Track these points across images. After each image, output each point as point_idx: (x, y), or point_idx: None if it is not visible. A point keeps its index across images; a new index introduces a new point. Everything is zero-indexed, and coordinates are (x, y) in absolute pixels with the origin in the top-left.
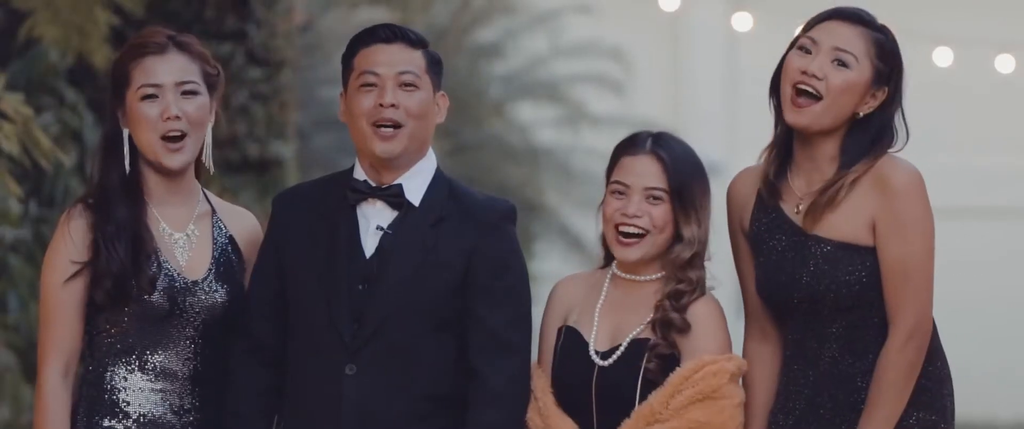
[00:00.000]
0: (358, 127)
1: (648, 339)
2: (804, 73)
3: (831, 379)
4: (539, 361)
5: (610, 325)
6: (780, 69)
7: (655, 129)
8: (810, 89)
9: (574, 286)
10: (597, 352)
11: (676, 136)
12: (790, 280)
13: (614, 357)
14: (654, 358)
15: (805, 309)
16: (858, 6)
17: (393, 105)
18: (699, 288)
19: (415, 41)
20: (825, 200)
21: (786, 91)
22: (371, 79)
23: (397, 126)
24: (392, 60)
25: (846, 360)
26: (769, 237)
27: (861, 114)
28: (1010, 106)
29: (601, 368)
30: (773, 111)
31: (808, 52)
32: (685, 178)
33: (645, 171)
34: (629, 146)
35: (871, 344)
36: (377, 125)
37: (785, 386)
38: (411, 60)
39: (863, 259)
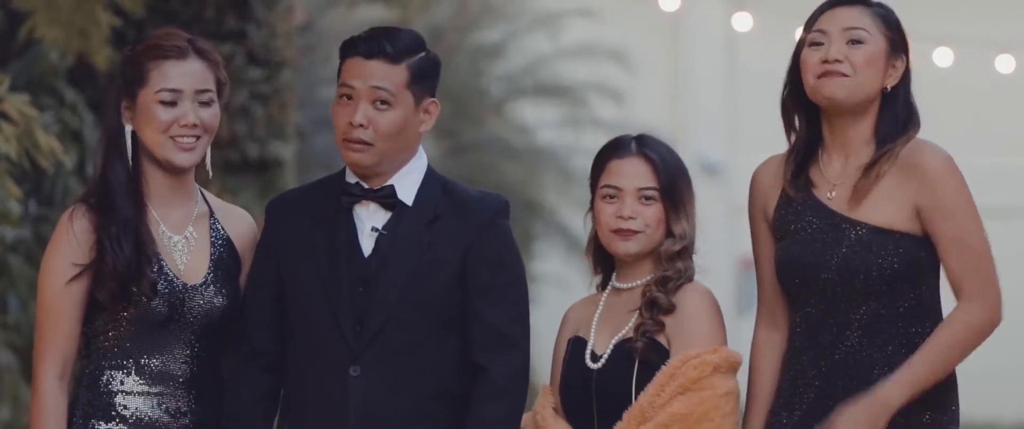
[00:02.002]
0: (336, 135)
1: (633, 338)
2: (825, 62)
3: (846, 369)
4: (550, 381)
5: (606, 331)
6: (791, 74)
7: (634, 132)
8: (836, 73)
9: (580, 306)
10: (591, 356)
11: (656, 137)
12: (820, 260)
13: (603, 359)
14: (642, 338)
15: (830, 293)
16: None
17: (362, 125)
18: (686, 276)
19: (395, 56)
20: (872, 177)
21: (810, 82)
22: (347, 91)
23: (365, 142)
24: (367, 77)
25: (865, 351)
26: (798, 219)
27: (888, 88)
28: (1010, 106)
29: (594, 371)
30: (785, 118)
31: (820, 44)
32: (673, 177)
33: (636, 172)
34: (615, 150)
35: (892, 336)
36: (348, 136)
37: (791, 381)
38: (388, 76)
39: (897, 244)
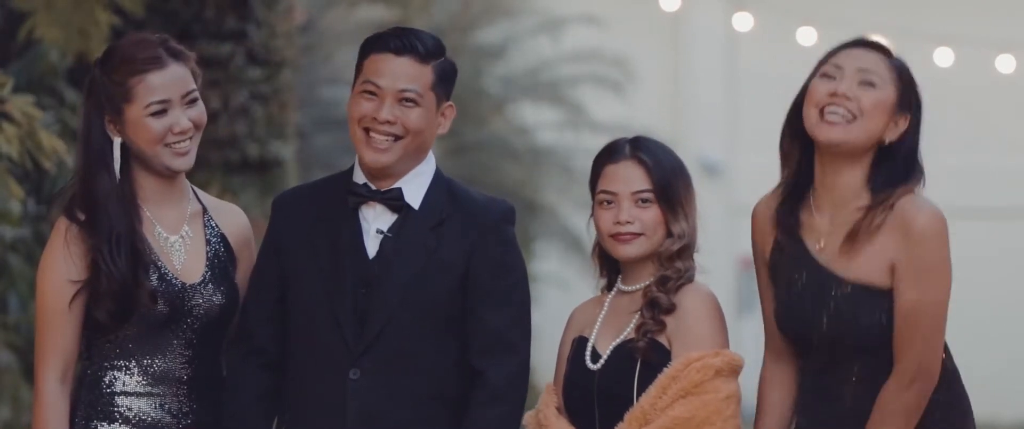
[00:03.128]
0: (353, 130)
1: (634, 338)
2: (833, 95)
3: (854, 416)
4: (554, 380)
5: (609, 332)
6: (796, 106)
7: (634, 132)
8: (841, 110)
9: (586, 307)
10: (592, 357)
11: (653, 138)
12: (810, 319)
13: (602, 360)
14: (643, 338)
15: (826, 349)
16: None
17: (390, 121)
18: (686, 276)
19: (425, 55)
20: (866, 227)
21: (812, 114)
22: (372, 89)
23: (392, 137)
24: (397, 74)
25: (869, 398)
26: (789, 270)
27: (887, 141)
28: (1010, 106)
29: (595, 372)
30: (782, 151)
31: (832, 78)
32: (668, 177)
33: (629, 176)
34: (609, 155)
35: None
36: (369, 132)
37: (808, 420)
38: (417, 77)
39: (882, 302)
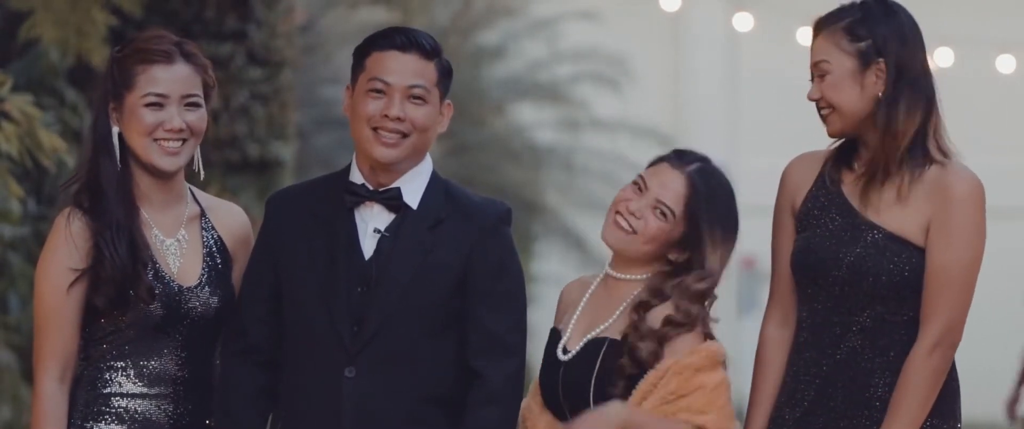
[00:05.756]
0: (360, 129)
1: (606, 338)
2: (812, 99)
3: (847, 370)
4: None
5: (585, 322)
6: None
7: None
8: (824, 109)
9: (574, 288)
10: (564, 349)
11: (721, 172)
12: (833, 257)
13: (572, 353)
14: (622, 380)
15: (838, 291)
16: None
17: (400, 118)
18: (699, 323)
19: (429, 51)
20: (881, 188)
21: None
22: (380, 86)
23: (400, 134)
24: (404, 70)
25: (866, 354)
26: (822, 214)
27: (880, 95)
28: (1010, 106)
29: (563, 364)
30: None
31: (812, 78)
32: (704, 213)
33: (668, 182)
34: (676, 158)
35: (895, 342)
36: (378, 129)
37: (793, 377)
38: (423, 72)
39: (910, 255)
